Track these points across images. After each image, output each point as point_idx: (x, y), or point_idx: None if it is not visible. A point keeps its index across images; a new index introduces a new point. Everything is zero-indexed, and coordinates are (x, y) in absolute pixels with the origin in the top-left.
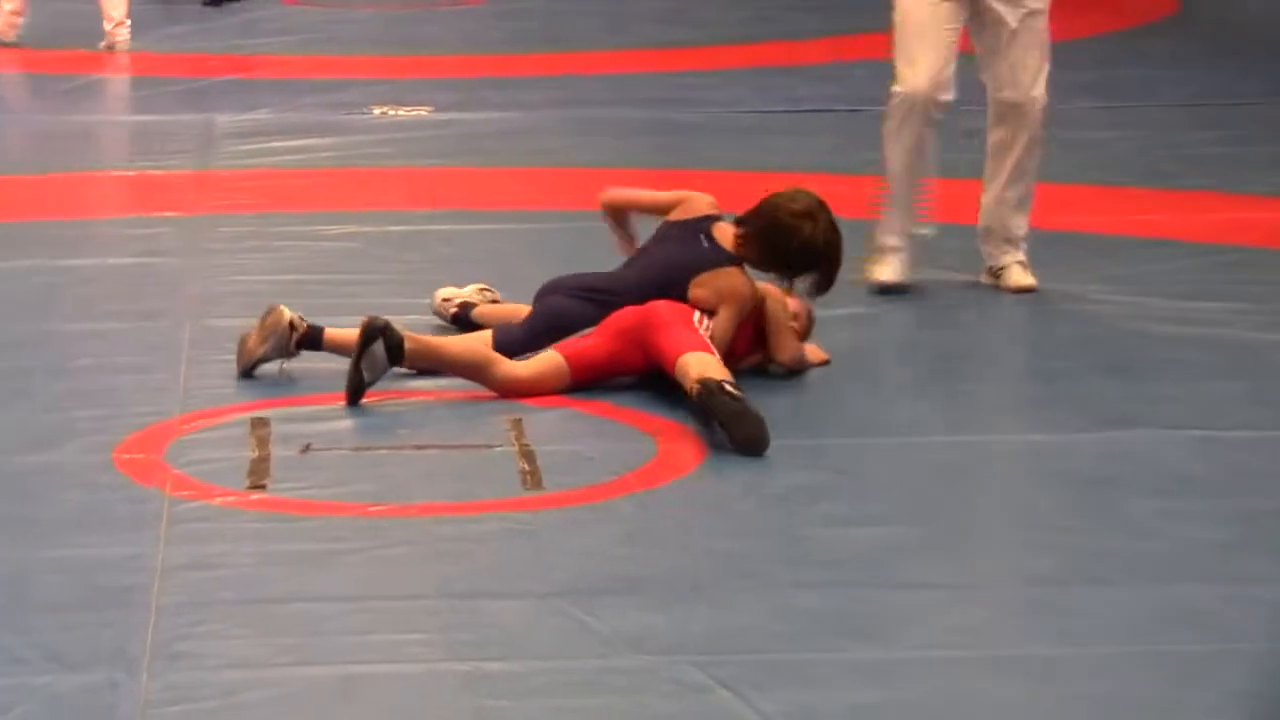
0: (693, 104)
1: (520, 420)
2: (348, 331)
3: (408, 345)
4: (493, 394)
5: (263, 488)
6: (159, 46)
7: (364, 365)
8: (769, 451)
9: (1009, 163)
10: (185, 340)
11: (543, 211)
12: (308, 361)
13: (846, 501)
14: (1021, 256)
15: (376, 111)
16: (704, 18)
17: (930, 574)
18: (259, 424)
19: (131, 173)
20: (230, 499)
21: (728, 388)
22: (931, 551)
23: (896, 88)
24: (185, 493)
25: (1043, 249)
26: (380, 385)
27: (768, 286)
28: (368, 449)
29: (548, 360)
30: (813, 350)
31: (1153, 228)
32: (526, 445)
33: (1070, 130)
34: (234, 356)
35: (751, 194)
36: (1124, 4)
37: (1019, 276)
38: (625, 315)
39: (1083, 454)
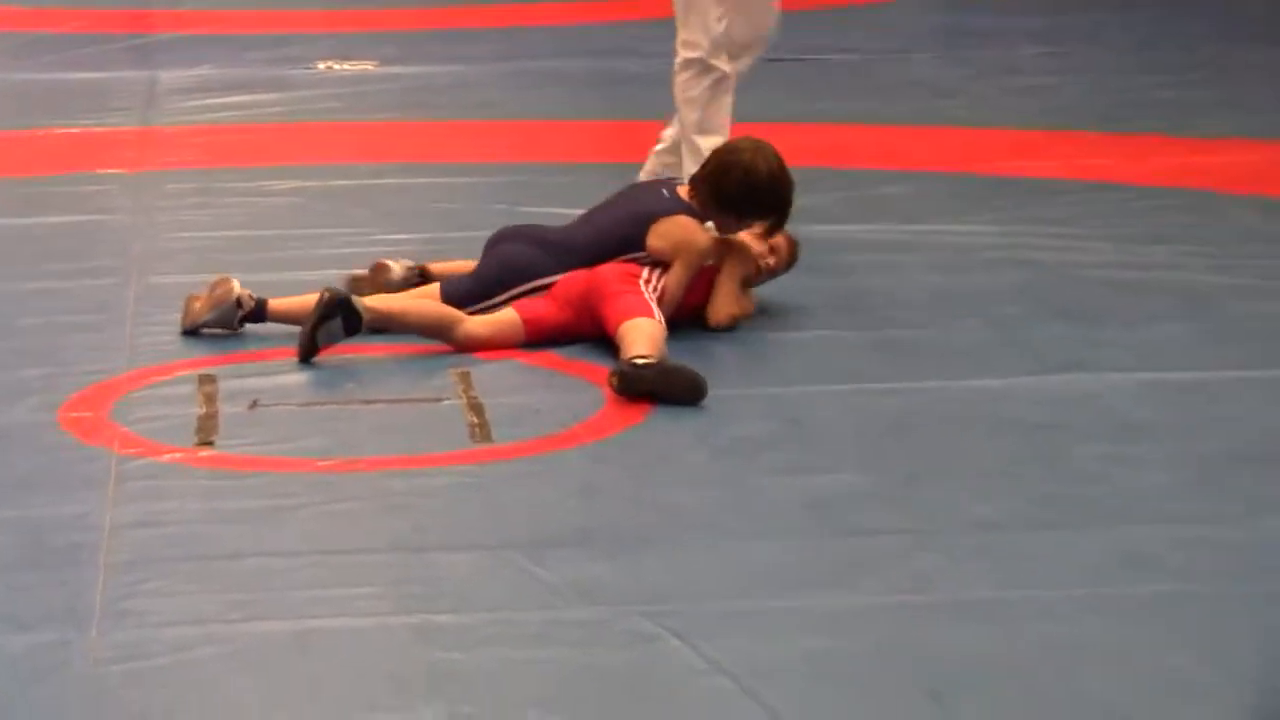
0: (642, 55)
1: (468, 373)
2: (296, 300)
3: (366, 317)
4: (441, 347)
5: (210, 444)
6: (100, 1)
7: (319, 335)
8: (718, 401)
9: None
10: (131, 298)
11: (490, 164)
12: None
13: (796, 451)
14: None
15: (321, 66)
16: None
17: (880, 521)
18: (206, 380)
19: (75, 130)
20: (178, 456)
21: (639, 364)
22: (881, 499)
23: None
24: (132, 450)
25: (989, 193)
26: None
27: (741, 240)
28: (316, 404)
29: (505, 319)
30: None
31: (1100, 172)
32: (474, 398)
33: (1017, 77)
34: (180, 314)
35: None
36: None
37: None
38: (574, 281)
39: (1029, 399)
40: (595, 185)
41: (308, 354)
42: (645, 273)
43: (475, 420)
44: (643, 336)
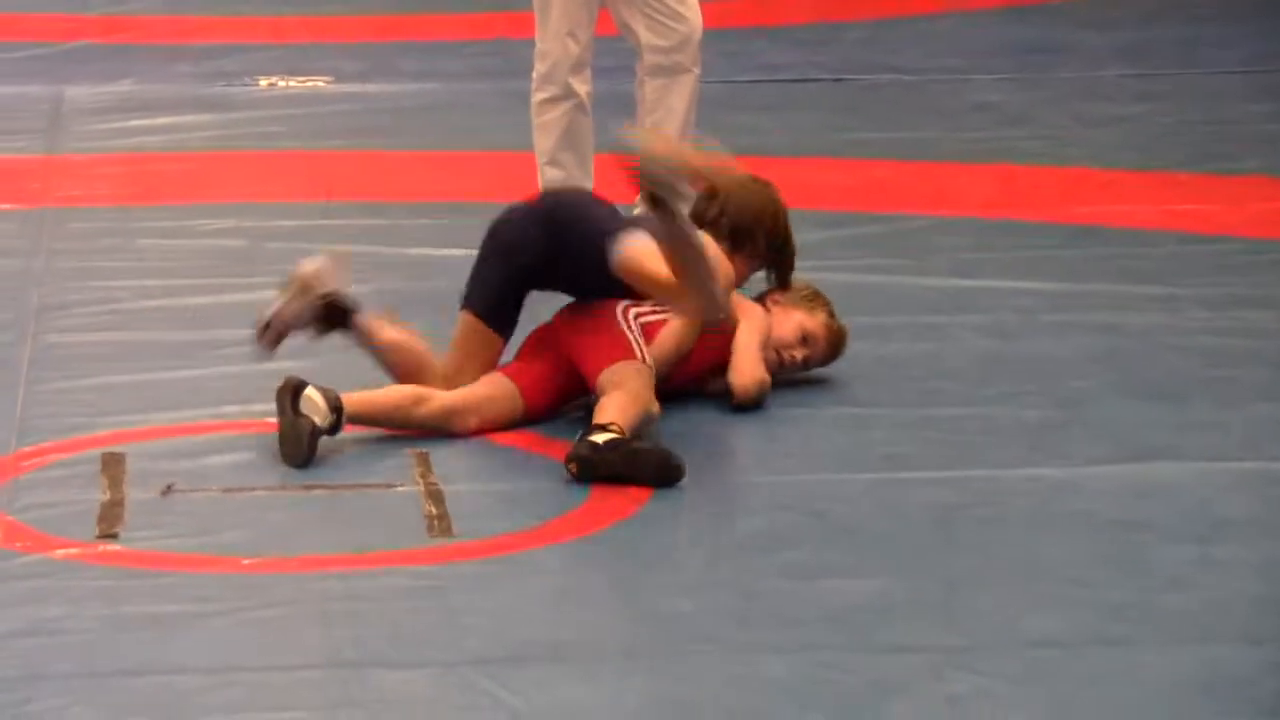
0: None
1: (427, 455)
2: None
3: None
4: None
5: (114, 537)
6: None
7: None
8: (725, 490)
9: None
10: (25, 359)
11: (465, 203)
12: (175, 373)
13: (817, 550)
14: None
15: (264, 82)
16: None
17: (914, 636)
18: (112, 460)
19: None
20: (74, 551)
21: (598, 443)
22: (916, 610)
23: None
24: (20, 544)
25: (1058, 242)
26: (259, 410)
27: (751, 307)
28: (241, 490)
29: (495, 382)
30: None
31: (1195, 219)
32: (434, 484)
33: (1097, 103)
34: (90, 379)
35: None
36: None
37: None
38: (548, 329)
39: (1100, 491)
40: None
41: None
42: (620, 307)
43: (434, 511)
44: (615, 399)
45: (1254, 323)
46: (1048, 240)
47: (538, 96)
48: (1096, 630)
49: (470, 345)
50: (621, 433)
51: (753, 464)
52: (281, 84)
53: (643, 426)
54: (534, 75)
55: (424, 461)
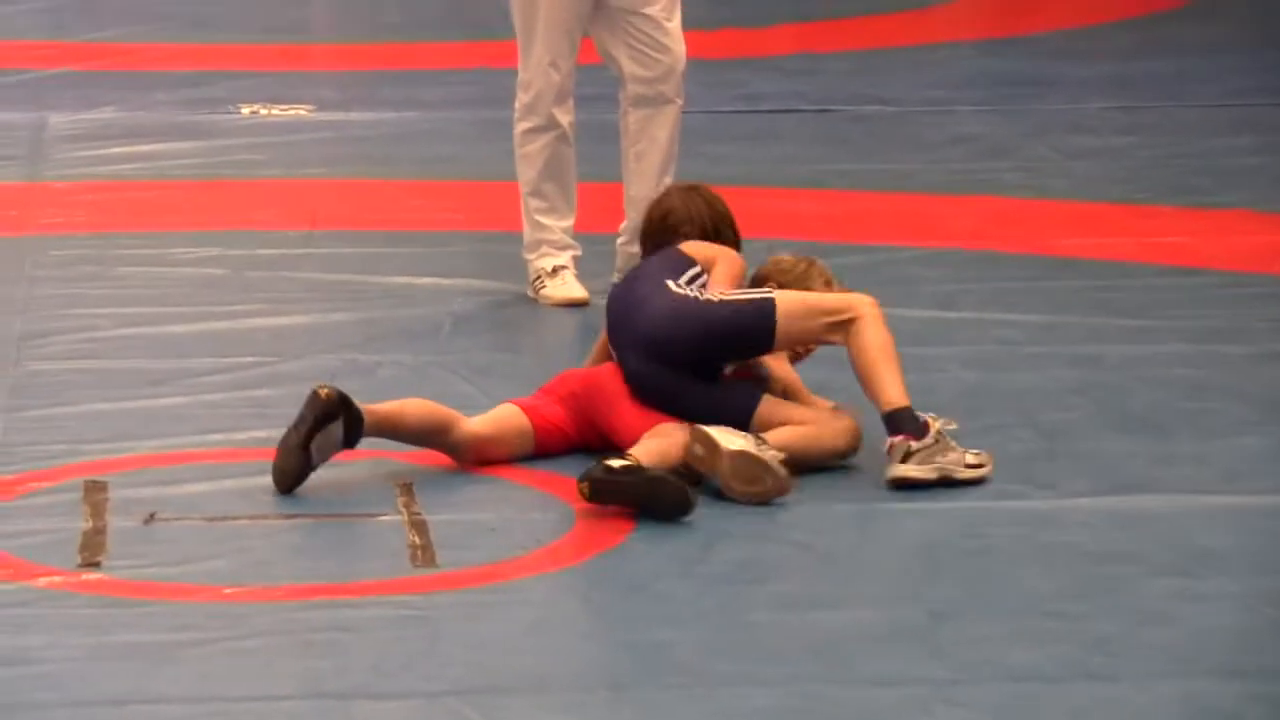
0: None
1: (411, 485)
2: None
3: (367, 421)
4: (376, 453)
5: (96, 565)
6: None
7: (314, 446)
8: (710, 520)
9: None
10: (5, 387)
11: (448, 232)
12: (157, 401)
13: (803, 581)
14: None
15: (245, 110)
16: None
17: (899, 668)
18: (94, 489)
19: None
20: (57, 580)
21: (615, 467)
22: (901, 641)
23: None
24: (2, 572)
25: (1042, 275)
26: (241, 438)
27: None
28: (224, 519)
29: (509, 420)
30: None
31: (1176, 253)
32: (417, 514)
33: (1081, 136)
34: (72, 407)
35: None
36: None
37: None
38: (567, 380)
39: (1083, 524)
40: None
41: (299, 473)
42: None
43: (417, 541)
44: (645, 444)
45: (1233, 356)
46: (1029, 272)
47: (520, 127)
48: (1079, 663)
49: None
50: (638, 462)
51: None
52: (263, 112)
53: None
54: (516, 106)
55: (407, 491)
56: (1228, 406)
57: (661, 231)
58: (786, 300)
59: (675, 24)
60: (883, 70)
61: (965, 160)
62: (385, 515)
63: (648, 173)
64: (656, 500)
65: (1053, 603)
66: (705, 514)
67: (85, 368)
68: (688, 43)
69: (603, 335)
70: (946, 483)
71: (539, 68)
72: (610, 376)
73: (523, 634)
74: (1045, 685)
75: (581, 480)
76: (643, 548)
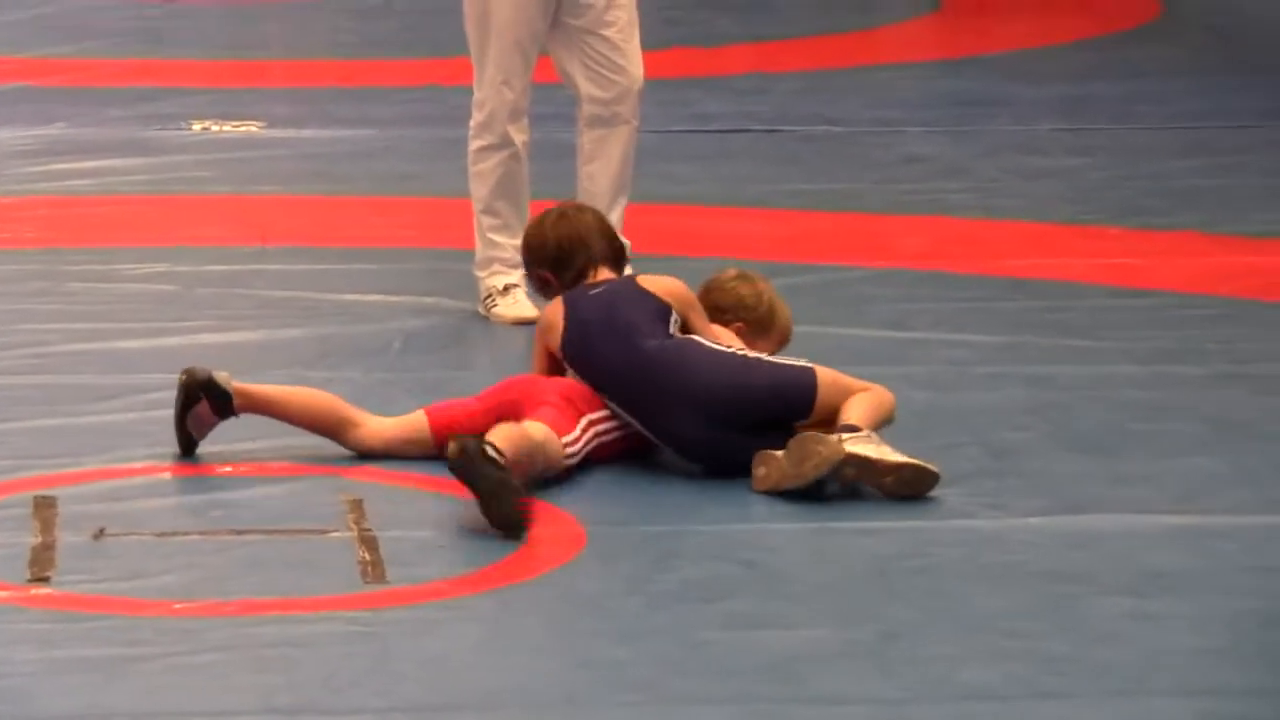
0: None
1: (360, 501)
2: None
3: (236, 401)
4: (329, 467)
5: (46, 580)
6: None
7: (190, 424)
8: (661, 538)
9: None
10: None
11: (401, 249)
12: (106, 416)
13: (753, 600)
14: None
15: (196, 127)
16: None
17: (850, 687)
18: (43, 504)
19: None
20: (5, 594)
21: (489, 452)
22: (852, 660)
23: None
24: None
25: (993, 295)
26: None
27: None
28: (174, 534)
29: (411, 422)
30: None
31: (1127, 274)
32: (367, 530)
33: (1033, 157)
34: (20, 423)
35: (647, 229)
36: (1096, 6)
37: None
38: (509, 389)
39: (1034, 543)
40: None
41: (186, 445)
42: (599, 413)
43: (368, 557)
44: (517, 431)
45: (1183, 376)
46: (980, 292)
47: (474, 144)
48: (1031, 682)
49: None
50: (507, 462)
51: (686, 513)
52: (214, 128)
53: (528, 461)
54: (471, 124)
55: (358, 508)
56: (1179, 427)
57: (567, 256)
58: (825, 375)
59: (634, 45)
60: (833, 91)
61: (916, 180)
62: (335, 531)
63: (601, 193)
64: (497, 504)
65: (1004, 622)
66: (655, 532)
67: (34, 383)
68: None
69: (543, 345)
70: (882, 470)
71: (492, 86)
72: (551, 387)
73: (474, 650)
74: (997, 704)
75: (452, 440)
76: (594, 565)
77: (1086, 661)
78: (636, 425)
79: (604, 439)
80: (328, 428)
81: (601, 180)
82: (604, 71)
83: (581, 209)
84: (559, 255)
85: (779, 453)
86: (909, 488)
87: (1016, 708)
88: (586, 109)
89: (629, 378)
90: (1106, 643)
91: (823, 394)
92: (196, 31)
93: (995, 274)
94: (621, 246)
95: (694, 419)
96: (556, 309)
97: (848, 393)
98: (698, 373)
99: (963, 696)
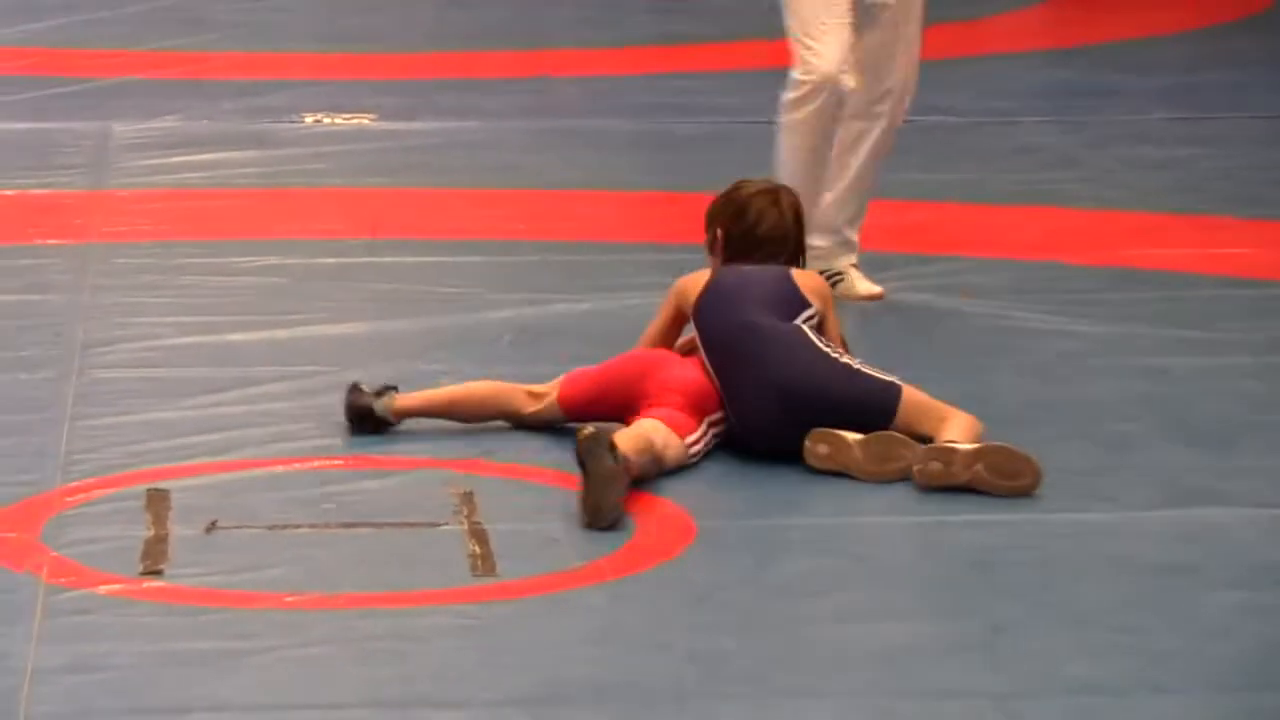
0: (696, 111)
1: (471, 494)
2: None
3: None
4: (437, 462)
5: (158, 573)
6: (45, 38)
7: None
8: (770, 532)
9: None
10: (70, 395)
11: (507, 241)
12: (218, 409)
13: (861, 593)
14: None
15: (308, 119)
16: (714, 5)
17: (958, 680)
18: (156, 496)
19: (10, 191)
20: (119, 587)
21: (617, 449)
22: (961, 653)
23: (800, 74)
24: (65, 579)
25: (1103, 285)
26: (303, 447)
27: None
28: (285, 527)
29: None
30: None
31: (1239, 265)
32: (478, 523)
33: (1145, 146)
34: (134, 416)
35: None
36: None
37: (862, 283)
38: (634, 360)
39: (1145, 536)
40: (634, 268)
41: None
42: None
43: (478, 550)
44: (643, 438)
45: None
46: (1091, 283)
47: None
48: (1141, 677)
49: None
50: (626, 461)
51: (795, 507)
52: (325, 121)
53: (643, 464)
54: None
55: (468, 500)
56: None
57: (760, 241)
58: (910, 395)
59: (913, 51)
60: (947, 81)
61: (1027, 171)
62: (445, 524)
63: (839, 184)
64: (593, 491)
65: (1114, 615)
66: (764, 525)
67: (147, 376)
68: (763, 55)
69: (674, 307)
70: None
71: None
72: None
73: (583, 643)
74: (1106, 698)
75: (586, 431)
76: (703, 558)
77: (1197, 656)
78: (721, 395)
79: (722, 439)
80: (500, 413)
81: (844, 173)
82: (873, 68)
83: (794, 199)
84: (765, 239)
85: (849, 437)
86: (1008, 479)
87: (1126, 702)
88: (852, 101)
89: (733, 341)
90: (1218, 637)
91: (903, 413)
92: (306, 24)
93: (1107, 264)
94: (804, 249)
95: (771, 404)
96: (702, 276)
97: (930, 414)
98: (793, 363)
99: (1071, 690)
